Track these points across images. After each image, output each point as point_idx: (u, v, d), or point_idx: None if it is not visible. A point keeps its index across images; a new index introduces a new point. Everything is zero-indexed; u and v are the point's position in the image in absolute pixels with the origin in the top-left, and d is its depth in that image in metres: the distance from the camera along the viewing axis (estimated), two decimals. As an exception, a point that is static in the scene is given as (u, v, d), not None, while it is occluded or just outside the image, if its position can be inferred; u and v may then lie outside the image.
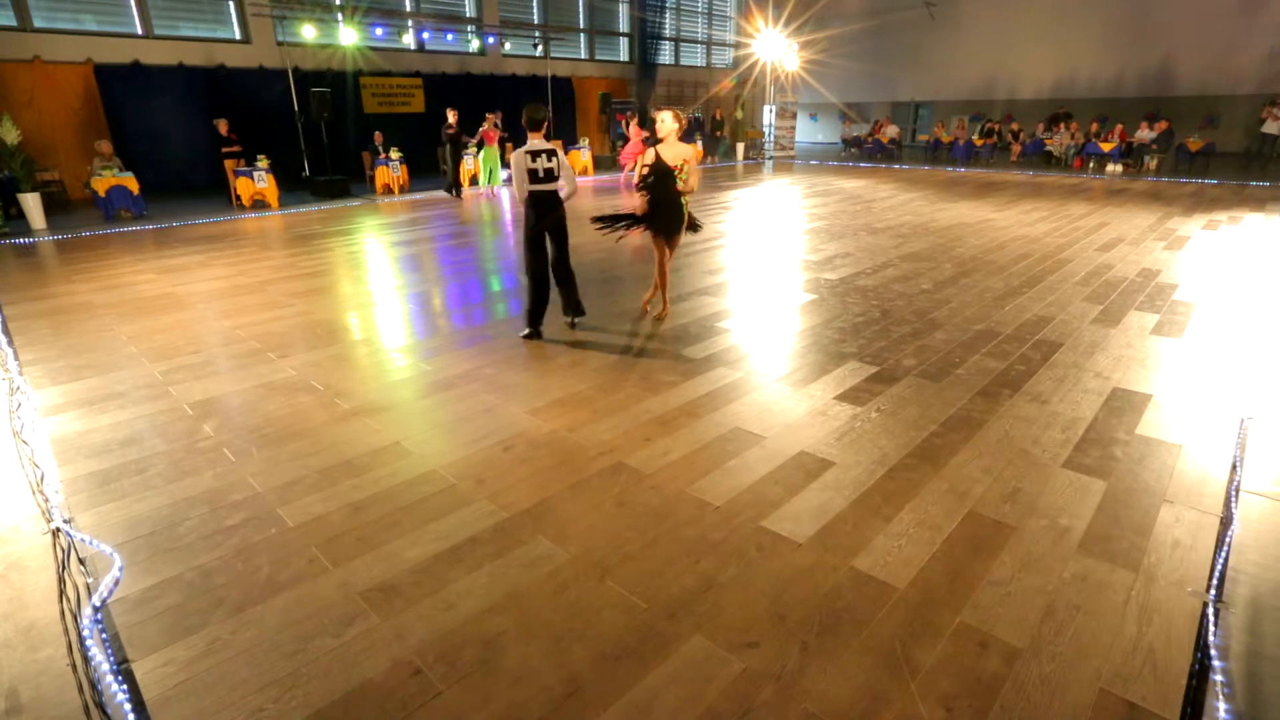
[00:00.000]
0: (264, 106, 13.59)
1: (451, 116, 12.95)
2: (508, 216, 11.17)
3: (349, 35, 13.89)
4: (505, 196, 13.39)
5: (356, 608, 2.38)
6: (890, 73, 23.35)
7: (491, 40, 17.19)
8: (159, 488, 3.15)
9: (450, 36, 16.38)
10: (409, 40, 15.57)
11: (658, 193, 5.14)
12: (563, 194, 5.00)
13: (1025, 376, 4.36)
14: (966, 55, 21.96)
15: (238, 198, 11.75)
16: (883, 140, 20.60)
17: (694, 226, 5.61)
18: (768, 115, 22.59)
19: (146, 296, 6.39)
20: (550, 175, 4.90)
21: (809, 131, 26.99)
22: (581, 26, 20.14)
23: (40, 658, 2.16)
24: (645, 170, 5.13)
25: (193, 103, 12.97)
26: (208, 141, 12.49)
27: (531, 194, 4.92)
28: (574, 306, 5.40)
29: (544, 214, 4.99)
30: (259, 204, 11.90)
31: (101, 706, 1.97)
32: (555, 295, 5.30)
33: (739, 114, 22.47)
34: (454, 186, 13.27)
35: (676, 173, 5.08)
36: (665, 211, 5.21)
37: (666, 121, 5.07)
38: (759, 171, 17.88)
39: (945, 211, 11.08)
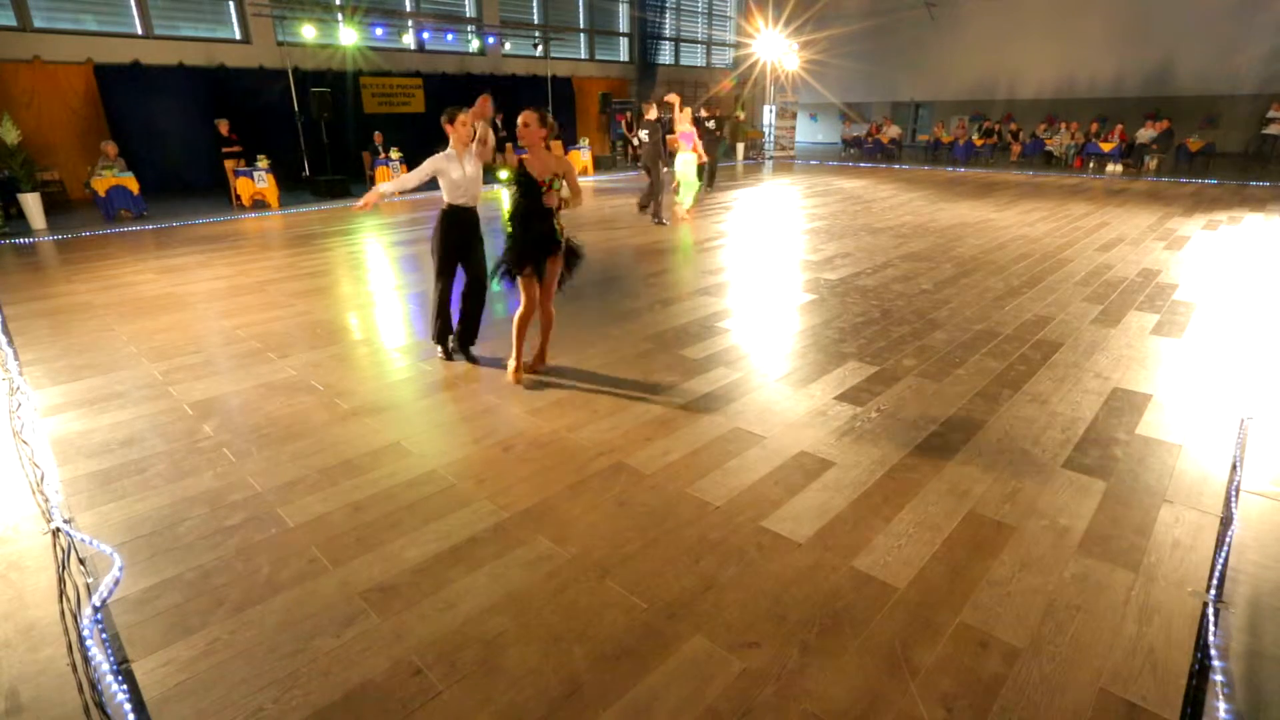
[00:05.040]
0: (264, 106, 13.57)
1: (651, 112, 9.96)
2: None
3: (349, 35, 13.88)
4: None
5: (356, 608, 2.38)
6: (890, 73, 23.34)
7: (491, 40, 17.18)
8: (159, 488, 3.15)
9: (450, 36, 16.38)
10: (409, 40, 15.56)
11: (524, 215, 4.05)
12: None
13: (1025, 376, 4.35)
14: (966, 55, 21.95)
15: (238, 198, 11.75)
16: (883, 140, 20.59)
17: (572, 255, 4.31)
18: (768, 115, 22.58)
19: (146, 296, 6.39)
20: None
21: (809, 132, 26.96)
22: (581, 26, 20.14)
23: (40, 658, 2.16)
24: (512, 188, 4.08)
25: (193, 103, 12.96)
26: (208, 141, 12.49)
27: None
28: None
29: None
30: (259, 204, 11.89)
31: (101, 706, 1.97)
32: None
33: (739, 114, 22.47)
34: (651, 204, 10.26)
35: (544, 188, 3.96)
36: (533, 239, 4.08)
37: (531, 125, 3.89)
38: (759, 172, 17.88)
39: (945, 211, 11.08)
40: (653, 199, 10.32)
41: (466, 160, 4.41)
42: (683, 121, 10.01)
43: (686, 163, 9.98)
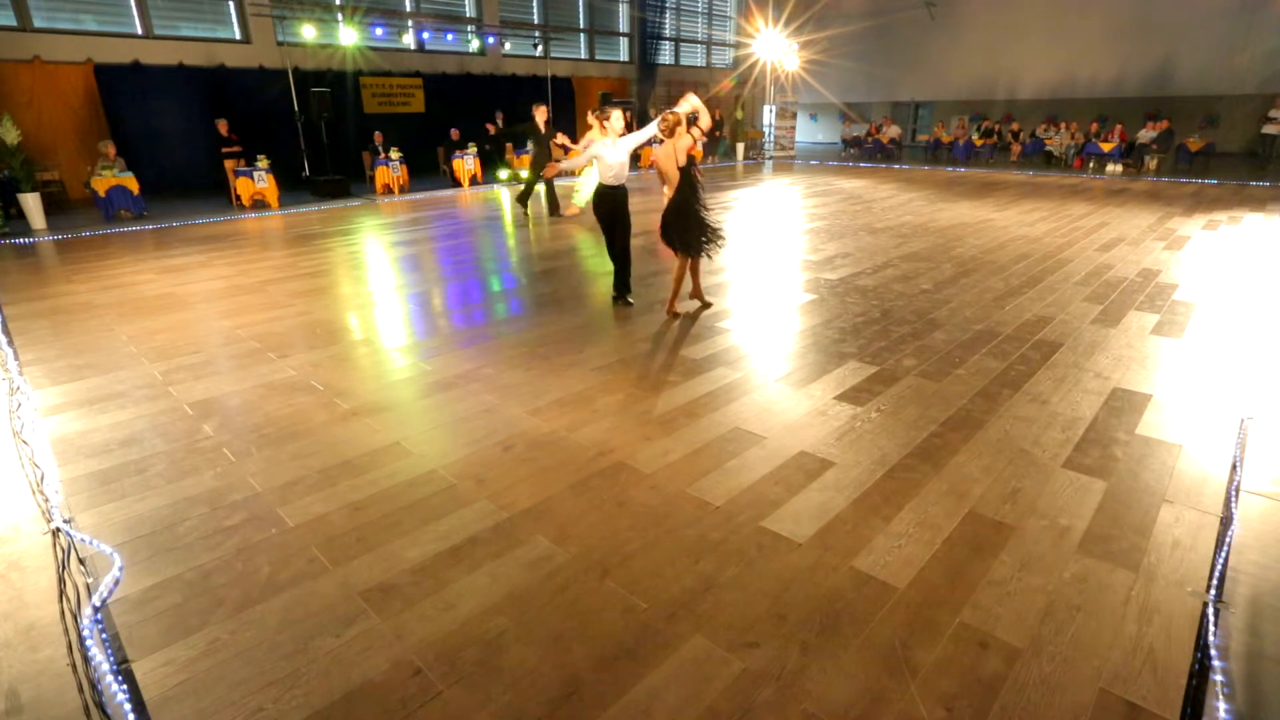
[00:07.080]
0: (264, 106, 13.56)
1: (541, 114, 10.30)
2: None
3: (349, 35, 13.87)
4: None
5: (356, 608, 2.38)
6: (890, 73, 23.32)
7: (491, 40, 17.18)
8: (159, 488, 3.15)
9: (450, 36, 16.37)
10: (409, 40, 15.56)
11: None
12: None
13: (1025, 376, 4.35)
14: (966, 55, 21.93)
15: (238, 198, 11.75)
16: (882, 140, 20.59)
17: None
18: (768, 115, 22.59)
19: (146, 296, 6.39)
20: None
21: (809, 131, 26.96)
22: (581, 26, 20.14)
23: (40, 658, 2.16)
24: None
25: (193, 103, 12.95)
26: (208, 141, 12.49)
27: None
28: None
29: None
30: (259, 204, 11.89)
31: (101, 706, 1.97)
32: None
33: (739, 114, 22.47)
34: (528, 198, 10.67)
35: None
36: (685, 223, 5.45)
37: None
38: (759, 171, 17.88)
39: (945, 211, 11.08)
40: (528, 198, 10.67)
41: (618, 148, 5.55)
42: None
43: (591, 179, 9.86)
